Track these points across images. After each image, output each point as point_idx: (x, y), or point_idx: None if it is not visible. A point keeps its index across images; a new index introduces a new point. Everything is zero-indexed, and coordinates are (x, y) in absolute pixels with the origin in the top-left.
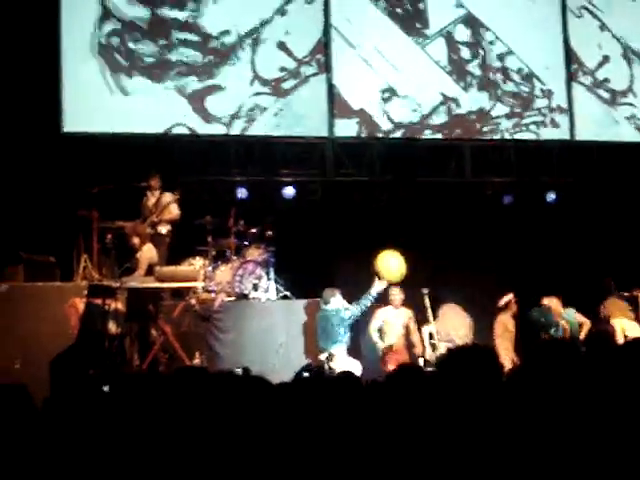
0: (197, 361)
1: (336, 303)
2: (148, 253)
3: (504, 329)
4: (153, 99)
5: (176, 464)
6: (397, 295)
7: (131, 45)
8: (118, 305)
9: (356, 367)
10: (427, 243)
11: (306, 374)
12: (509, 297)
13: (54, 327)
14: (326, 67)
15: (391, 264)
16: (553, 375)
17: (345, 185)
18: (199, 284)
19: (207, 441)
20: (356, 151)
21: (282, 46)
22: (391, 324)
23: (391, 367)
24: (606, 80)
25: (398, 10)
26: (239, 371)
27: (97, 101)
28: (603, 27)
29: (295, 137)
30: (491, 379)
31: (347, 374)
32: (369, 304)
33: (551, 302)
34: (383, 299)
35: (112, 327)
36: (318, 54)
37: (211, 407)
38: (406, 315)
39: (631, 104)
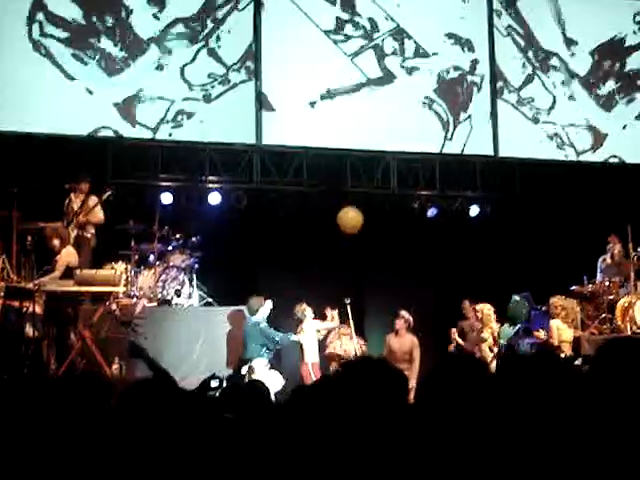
0: (116, 367)
1: (262, 313)
2: (67, 256)
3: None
4: (80, 101)
5: (81, 468)
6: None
7: (60, 45)
8: (36, 308)
9: (277, 380)
10: (352, 254)
11: (214, 384)
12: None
13: None
14: (255, 74)
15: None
16: (457, 389)
17: (271, 193)
18: (120, 289)
19: (107, 445)
20: (283, 160)
21: (212, 52)
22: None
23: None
24: (530, 98)
25: (328, 21)
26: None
27: (23, 100)
28: (529, 46)
29: (222, 144)
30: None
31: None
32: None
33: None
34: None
35: (29, 330)
36: (248, 61)
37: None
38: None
39: (553, 122)
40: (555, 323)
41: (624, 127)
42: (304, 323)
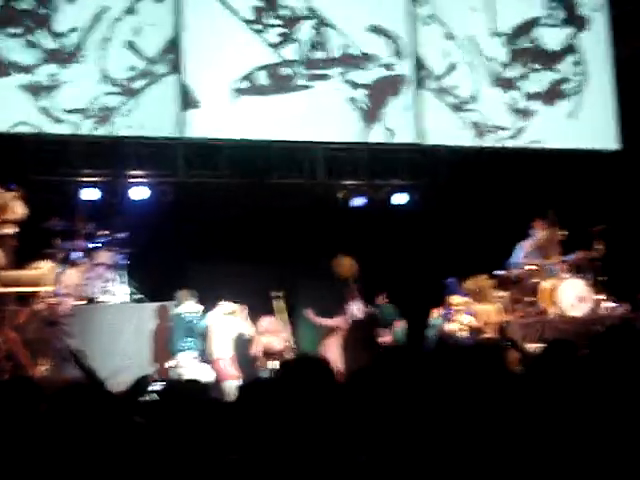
0: (43, 368)
1: (189, 307)
2: None
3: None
4: None
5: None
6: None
7: None
8: None
9: (206, 373)
10: (279, 245)
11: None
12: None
13: None
14: (177, 67)
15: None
16: (392, 380)
17: (197, 187)
18: (45, 288)
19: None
20: (208, 152)
21: (131, 45)
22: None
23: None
24: (453, 87)
25: (250, 12)
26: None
27: None
28: (450, 35)
29: (146, 137)
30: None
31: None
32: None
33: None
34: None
35: None
36: (169, 54)
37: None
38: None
39: (475, 110)
40: (480, 307)
41: (545, 112)
42: (222, 317)
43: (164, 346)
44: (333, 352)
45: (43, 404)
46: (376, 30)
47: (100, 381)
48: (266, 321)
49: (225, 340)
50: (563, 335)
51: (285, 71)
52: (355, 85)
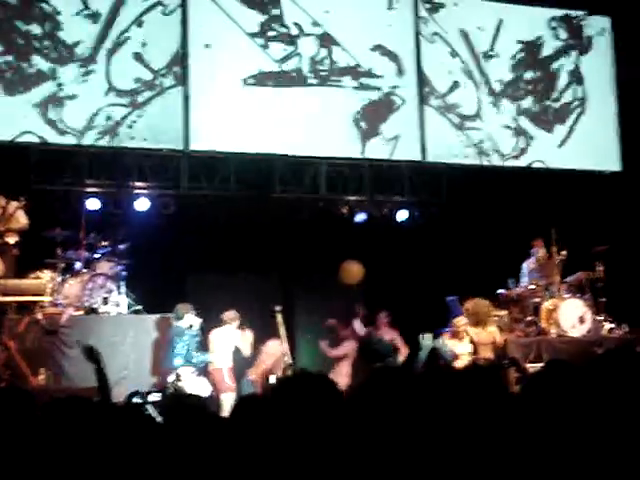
0: (42, 377)
1: (189, 320)
2: None
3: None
4: (2, 106)
5: None
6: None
7: None
8: None
9: (205, 387)
10: (281, 259)
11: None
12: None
13: None
14: (182, 79)
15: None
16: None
17: (199, 199)
18: (46, 298)
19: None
20: (211, 165)
21: (138, 57)
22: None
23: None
24: (456, 105)
25: (254, 25)
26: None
27: None
28: (454, 53)
29: (149, 149)
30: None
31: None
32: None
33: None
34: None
35: None
36: (175, 66)
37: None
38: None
39: (479, 128)
40: (471, 329)
41: (548, 133)
42: (224, 328)
43: (163, 358)
44: (344, 378)
45: (38, 412)
46: (380, 47)
47: (108, 387)
48: (273, 346)
49: (226, 351)
50: (562, 355)
51: (289, 85)
52: (358, 101)
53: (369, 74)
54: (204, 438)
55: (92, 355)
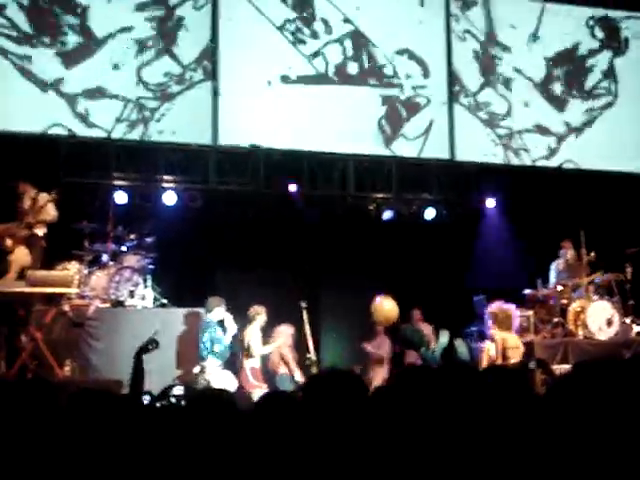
0: (67, 369)
1: (218, 314)
2: (21, 256)
3: None
4: (33, 99)
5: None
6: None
7: (14, 41)
8: None
9: (230, 380)
10: (307, 255)
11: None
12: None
13: None
14: (212, 74)
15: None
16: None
17: (227, 194)
18: (73, 290)
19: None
20: (239, 160)
21: (168, 51)
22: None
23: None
24: (487, 103)
25: (287, 22)
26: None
27: None
28: (485, 51)
29: (178, 144)
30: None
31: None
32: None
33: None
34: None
35: None
36: (205, 61)
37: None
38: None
39: (509, 127)
40: (498, 334)
41: (579, 133)
42: (252, 326)
43: (190, 351)
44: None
45: (62, 403)
46: (410, 44)
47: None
48: (285, 331)
49: (257, 349)
50: (589, 358)
51: (318, 82)
52: (386, 99)
53: (398, 72)
54: (228, 434)
55: (145, 350)
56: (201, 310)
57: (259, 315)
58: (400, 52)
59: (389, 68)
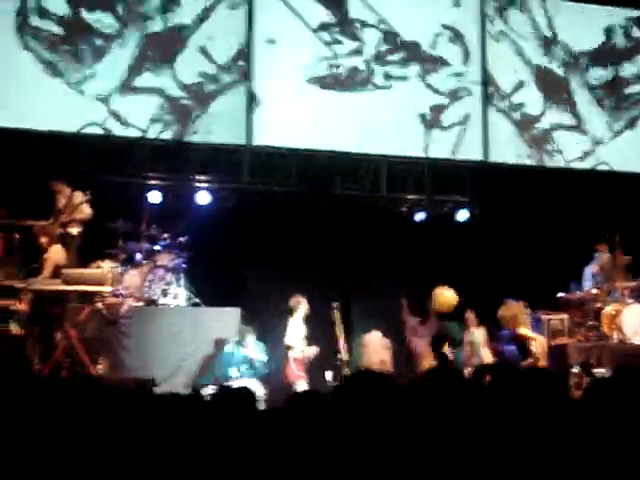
0: (100, 367)
1: (252, 348)
2: (56, 254)
3: None
4: (69, 98)
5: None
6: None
7: (49, 41)
8: (22, 306)
9: (257, 386)
10: (339, 256)
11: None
12: None
13: None
14: (247, 75)
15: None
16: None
17: (260, 194)
18: (107, 288)
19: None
20: (273, 160)
21: (203, 51)
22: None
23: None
24: (521, 104)
25: (322, 24)
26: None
27: (13, 96)
28: (520, 53)
29: (212, 144)
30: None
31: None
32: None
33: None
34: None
35: (14, 328)
36: (240, 61)
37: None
38: None
39: (544, 128)
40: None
41: (614, 135)
42: (293, 318)
43: (220, 352)
44: (423, 350)
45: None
46: (446, 44)
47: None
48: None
49: (297, 340)
50: (623, 362)
51: (352, 84)
52: (419, 101)
53: (432, 74)
54: (244, 431)
55: None
56: (232, 309)
57: (300, 305)
58: (435, 52)
59: (423, 69)
